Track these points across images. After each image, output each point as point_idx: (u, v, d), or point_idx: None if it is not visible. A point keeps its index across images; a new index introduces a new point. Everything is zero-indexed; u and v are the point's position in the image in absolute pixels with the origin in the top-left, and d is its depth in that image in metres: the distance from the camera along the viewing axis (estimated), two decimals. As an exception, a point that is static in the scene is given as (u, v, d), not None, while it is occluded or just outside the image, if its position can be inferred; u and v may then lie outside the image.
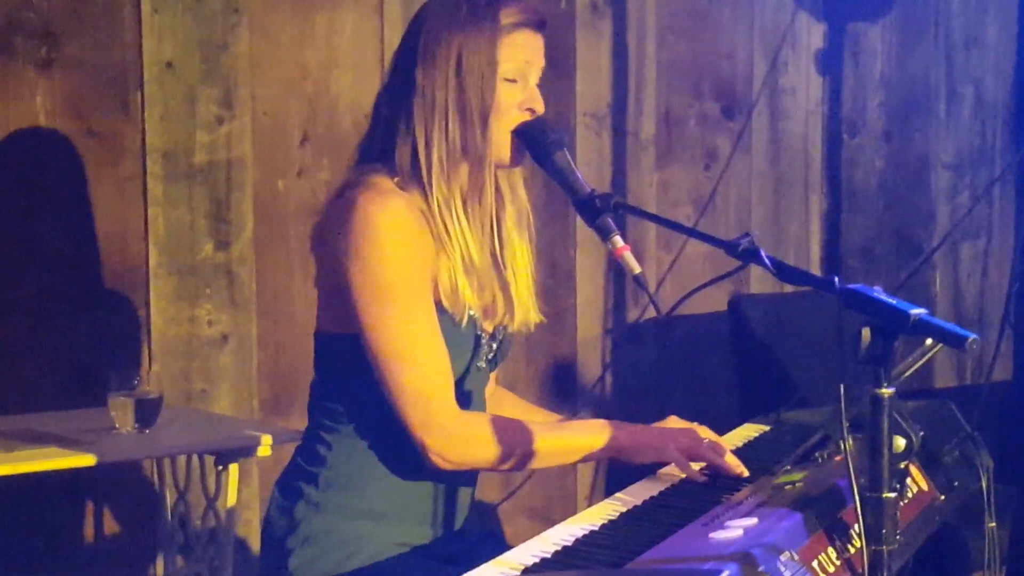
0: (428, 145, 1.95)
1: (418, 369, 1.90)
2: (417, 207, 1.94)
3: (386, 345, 1.90)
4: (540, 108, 2.00)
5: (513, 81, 1.98)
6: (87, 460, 2.44)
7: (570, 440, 2.00)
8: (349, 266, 1.90)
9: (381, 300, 1.89)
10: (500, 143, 1.99)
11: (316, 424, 2.05)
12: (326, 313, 2.03)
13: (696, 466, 1.99)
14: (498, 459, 1.95)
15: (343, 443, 2.00)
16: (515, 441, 1.94)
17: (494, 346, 2.07)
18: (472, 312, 1.99)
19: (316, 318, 2.05)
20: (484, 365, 2.06)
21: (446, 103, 1.94)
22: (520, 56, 1.98)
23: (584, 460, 2.06)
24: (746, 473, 1.98)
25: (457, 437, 1.92)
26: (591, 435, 2.00)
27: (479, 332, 2.03)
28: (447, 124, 1.95)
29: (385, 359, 1.90)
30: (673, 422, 2.14)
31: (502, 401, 2.23)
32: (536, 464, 1.99)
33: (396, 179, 1.97)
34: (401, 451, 1.95)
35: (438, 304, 1.94)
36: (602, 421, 2.04)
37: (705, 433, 2.10)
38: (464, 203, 1.98)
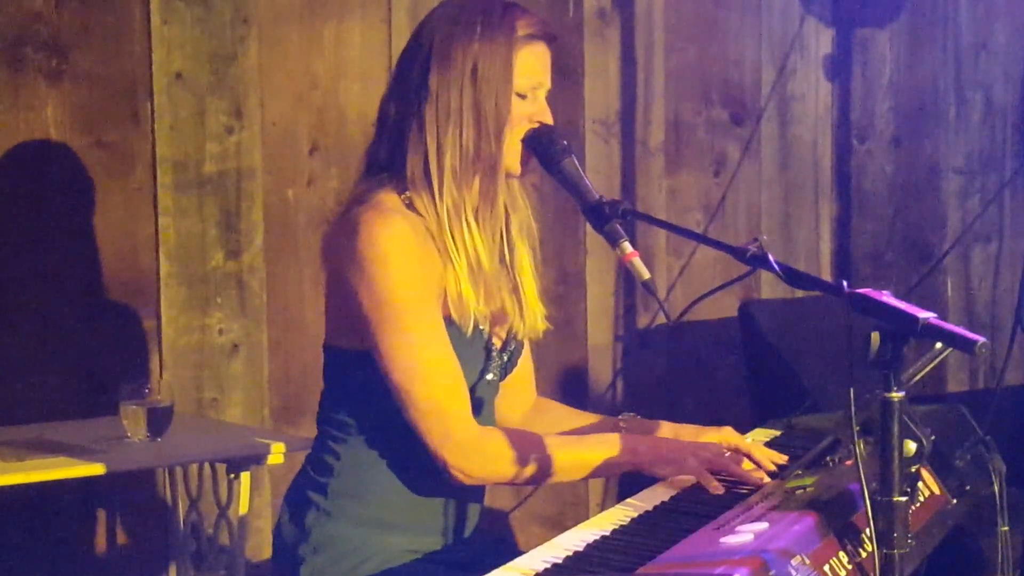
0: (440, 151, 1.95)
1: (434, 387, 1.91)
2: (421, 224, 1.94)
3: (400, 366, 1.90)
4: (549, 121, 2.02)
5: (524, 95, 1.99)
6: (99, 469, 2.45)
7: (589, 454, 2.00)
8: (357, 288, 1.91)
9: (391, 321, 1.90)
10: (510, 152, 1.99)
11: (325, 434, 2.05)
12: (334, 327, 2.04)
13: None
14: (518, 474, 1.95)
15: (351, 454, 2.01)
16: (534, 456, 1.94)
17: (505, 357, 2.08)
18: (481, 325, 1.99)
19: (324, 330, 2.06)
20: (495, 376, 2.07)
21: (461, 111, 1.95)
22: (533, 68, 1.99)
23: (604, 474, 2.05)
24: (767, 480, 1.97)
25: (477, 453, 1.93)
26: (610, 448, 1.99)
27: (490, 344, 2.03)
28: (461, 131, 1.95)
29: (400, 380, 1.91)
30: (728, 433, 2.11)
31: (548, 410, 2.24)
32: (555, 478, 1.99)
33: (404, 194, 1.97)
34: (408, 463, 1.96)
35: (447, 318, 1.95)
36: (621, 435, 2.04)
37: (759, 449, 2.09)
38: (475, 210, 1.98)
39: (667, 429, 2.17)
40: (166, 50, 3.01)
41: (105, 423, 2.72)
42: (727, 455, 2.01)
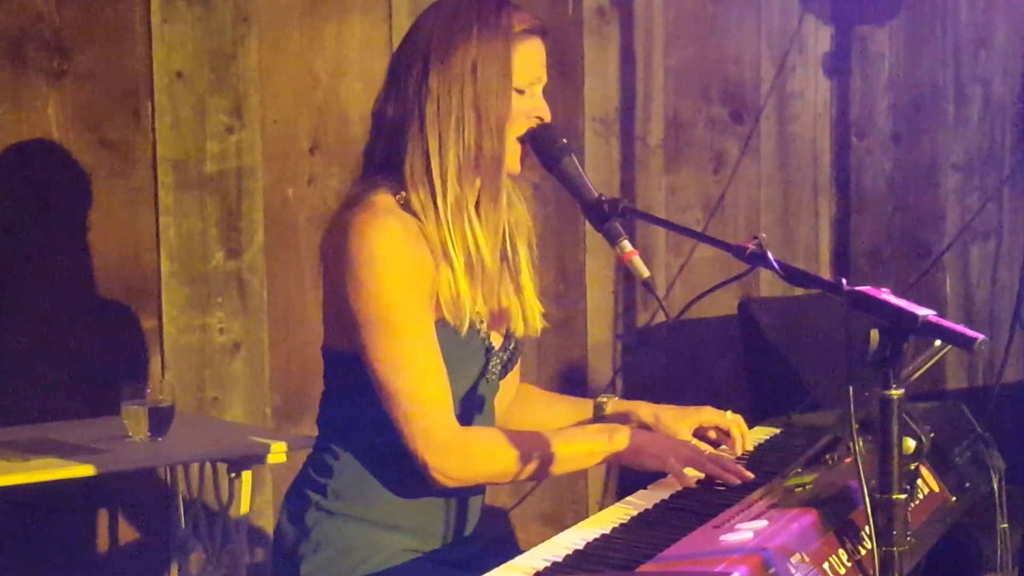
0: (443, 149, 1.95)
1: (416, 389, 1.91)
2: (415, 225, 1.95)
3: (385, 366, 1.91)
4: (547, 116, 2.02)
5: (522, 91, 1.99)
6: (100, 469, 2.45)
7: (574, 448, 2.00)
8: (348, 289, 1.92)
9: (379, 322, 1.90)
10: (509, 150, 2.00)
11: (325, 435, 2.06)
12: (331, 329, 2.04)
13: (691, 473, 2.00)
14: (501, 473, 1.96)
15: (350, 455, 2.01)
16: (518, 454, 1.94)
17: (505, 356, 2.08)
18: (478, 325, 2.00)
19: (323, 332, 2.06)
20: (494, 375, 2.07)
21: (463, 109, 1.95)
22: (529, 64, 2.00)
23: (588, 466, 2.07)
24: (750, 476, 1.98)
25: (457, 454, 1.93)
26: (595, 441, 2.01)
27: (489, 343, 2.03)
28: (464, 129, 1.95)
29: (384, 380, 1.91)
30: (707, 413, 2.17)
31: (529, 396, 2.25)
32: (541, 475, 2.00)
33: (399, 194, 1.97)
34: (407, 465, 1.96)
35: (441, 320, 1.95)
36: (606, 426, 2.05)
37: (737, 425, 2.14)
38: (478, 207, 1.99)
39: (646, 410, 2.20)
40: (167, 49, 3.01)
41: (107, 423, 2.72)
42: (707, 455, 2.03)
